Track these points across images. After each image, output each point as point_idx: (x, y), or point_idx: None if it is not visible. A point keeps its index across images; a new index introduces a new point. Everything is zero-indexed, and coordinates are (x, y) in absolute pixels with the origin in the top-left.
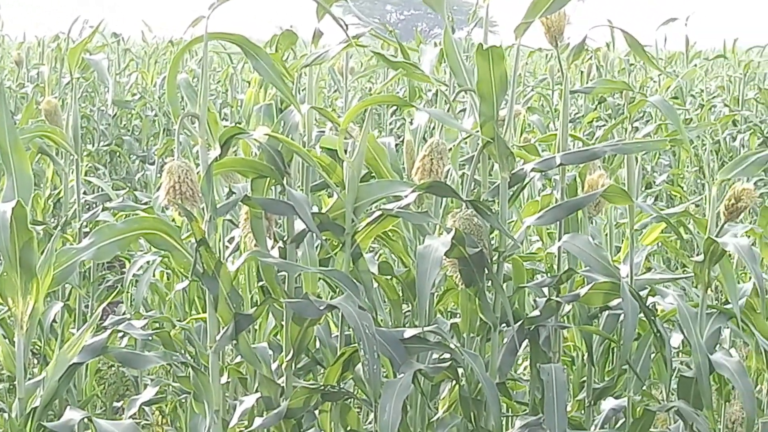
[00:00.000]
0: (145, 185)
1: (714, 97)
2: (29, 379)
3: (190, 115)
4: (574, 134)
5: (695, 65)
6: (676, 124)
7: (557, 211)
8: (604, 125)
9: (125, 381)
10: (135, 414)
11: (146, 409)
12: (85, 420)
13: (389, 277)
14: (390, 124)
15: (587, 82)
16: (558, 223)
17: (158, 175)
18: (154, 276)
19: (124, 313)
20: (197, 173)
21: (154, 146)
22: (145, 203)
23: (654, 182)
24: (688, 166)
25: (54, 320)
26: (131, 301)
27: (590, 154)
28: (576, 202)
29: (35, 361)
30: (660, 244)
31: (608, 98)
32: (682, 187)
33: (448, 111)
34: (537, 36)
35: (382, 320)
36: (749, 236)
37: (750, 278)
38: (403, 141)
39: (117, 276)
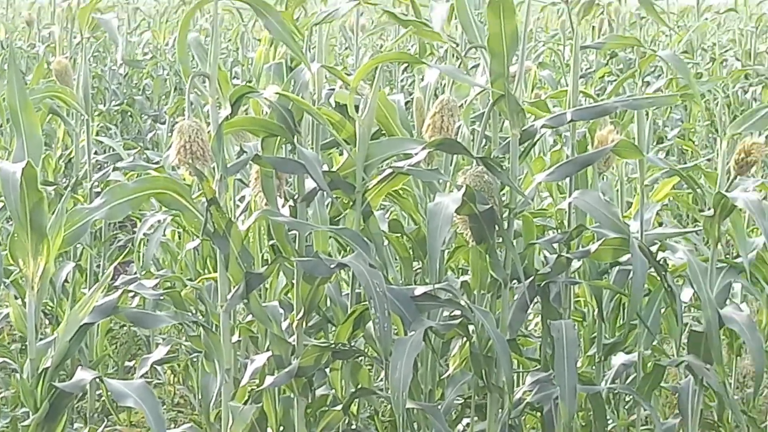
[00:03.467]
0: (156, 145)
1: (726, 51)
2: (41, 339)
3: (201, 75)
4: (585, 90)
5: (706, 19)
6: (687, 78)
7: (568, 167)
8: (615, 80)
9: (137, 341)
10: (147, 373)
11: (158, 368)
12: (97, 380)
13: (400, 234)
14: (401, 81)
15: (599, 37)
16: (568, 179)
17: (169, 134)
18: (164, 235)
19: (135, 273)
20: (208, 133)
21: (166, 105)
22: (156, 163)
23: (665, 137)
24: (699, 121)
25: (65, 280)
26: (142, 261)
27: (601, 109)
28: (586, 157)
29: (47, 322)
30: (671, 199)
31: (620, 53)
32: (694, 142)
33: (459, 68)
34: None
35: (392, 278)
36: (760, 191)
37: (760, 233)
38: (413, 98)
39: (128, 236)
